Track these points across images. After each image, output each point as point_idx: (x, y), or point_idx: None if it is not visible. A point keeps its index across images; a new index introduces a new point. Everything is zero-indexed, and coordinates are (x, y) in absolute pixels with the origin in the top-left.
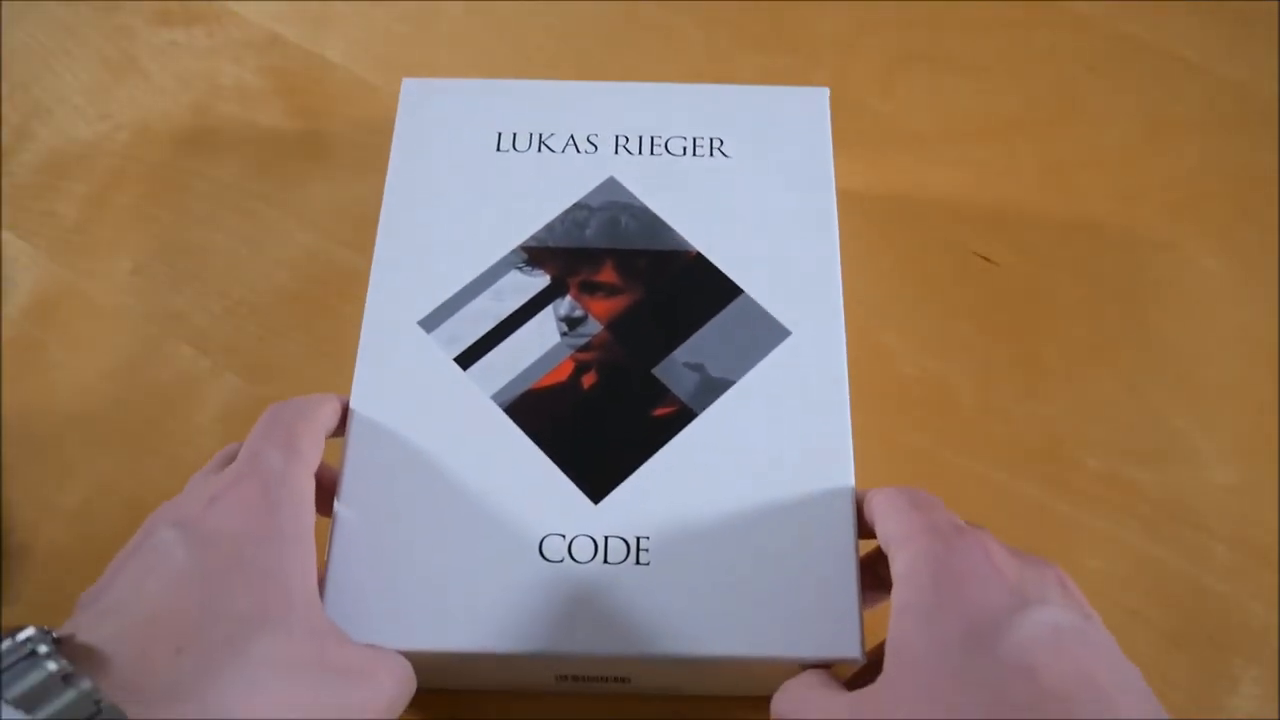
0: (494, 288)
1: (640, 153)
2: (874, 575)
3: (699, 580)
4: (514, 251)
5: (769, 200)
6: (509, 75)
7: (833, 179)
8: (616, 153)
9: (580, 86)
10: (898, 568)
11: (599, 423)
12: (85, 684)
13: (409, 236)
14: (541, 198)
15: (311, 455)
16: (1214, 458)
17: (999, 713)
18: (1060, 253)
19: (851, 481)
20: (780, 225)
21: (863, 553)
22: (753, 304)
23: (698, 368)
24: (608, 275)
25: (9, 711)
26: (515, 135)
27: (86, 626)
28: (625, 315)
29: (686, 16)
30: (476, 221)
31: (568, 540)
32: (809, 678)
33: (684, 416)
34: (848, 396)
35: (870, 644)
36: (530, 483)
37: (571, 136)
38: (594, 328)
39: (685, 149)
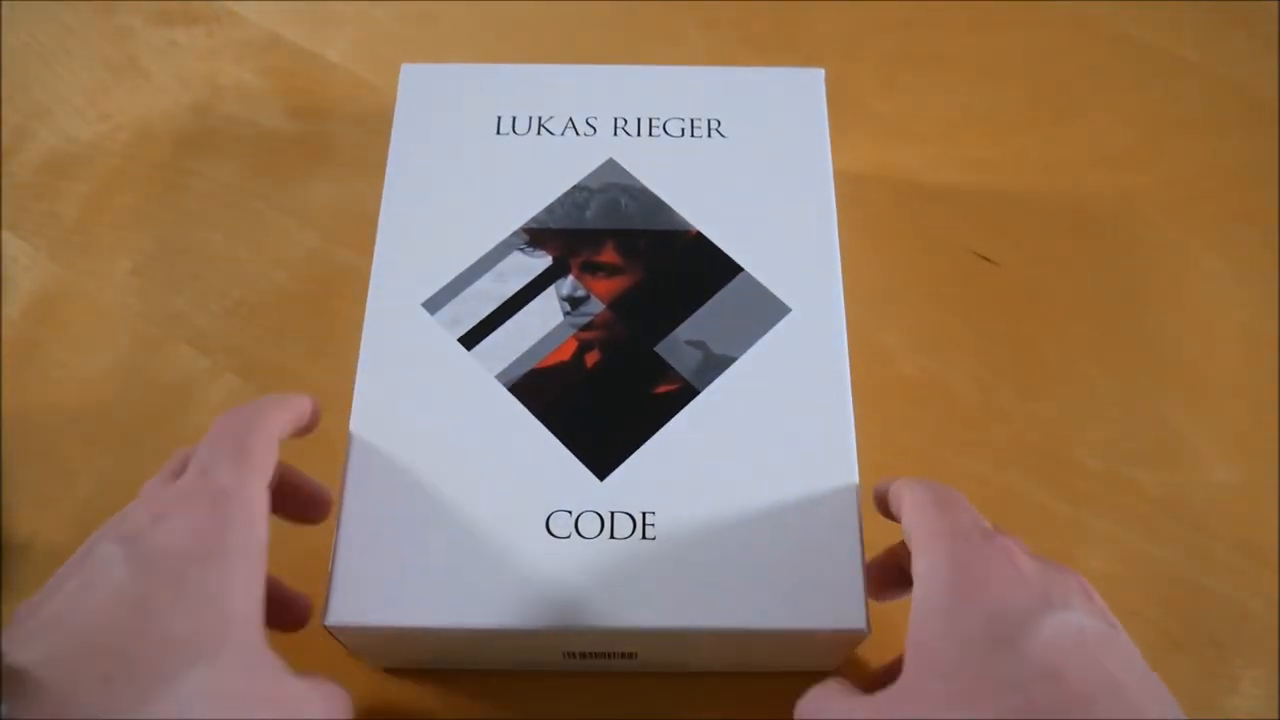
0: (496, 269)
1: (639, 134)
2: (897, 569)
3: (704, 554)
4: (515, 233)
5: (767, 179)
6: None
7: (829, 157)
8: (615, 135)
9: (578, 70)
10: (920, 567)
11: (603, 400)
12: (3, 709)
13: (411, 220)
14: (542, 180)
15: (264, 465)
16: (1214, 458)
17: (1024, 713)
18: (1060, 253)
19: (854, 454)
20: (778, 204)
21: (885, 547)
22: (753, 281)
23: (699, 345)
24: (609, 255)
25: None
26: (515, 119)
27: (18, 644)
28: (627, 294)
29: (686, 16)
30: (478, 204)
31: (574, 516)
32: (830, 684)
33: (687, 393)
34: (848, 371)
35: (877, 630)
36: (536, 460)
37: (570, 119)
38: (596, 307)
39: (683, 130)
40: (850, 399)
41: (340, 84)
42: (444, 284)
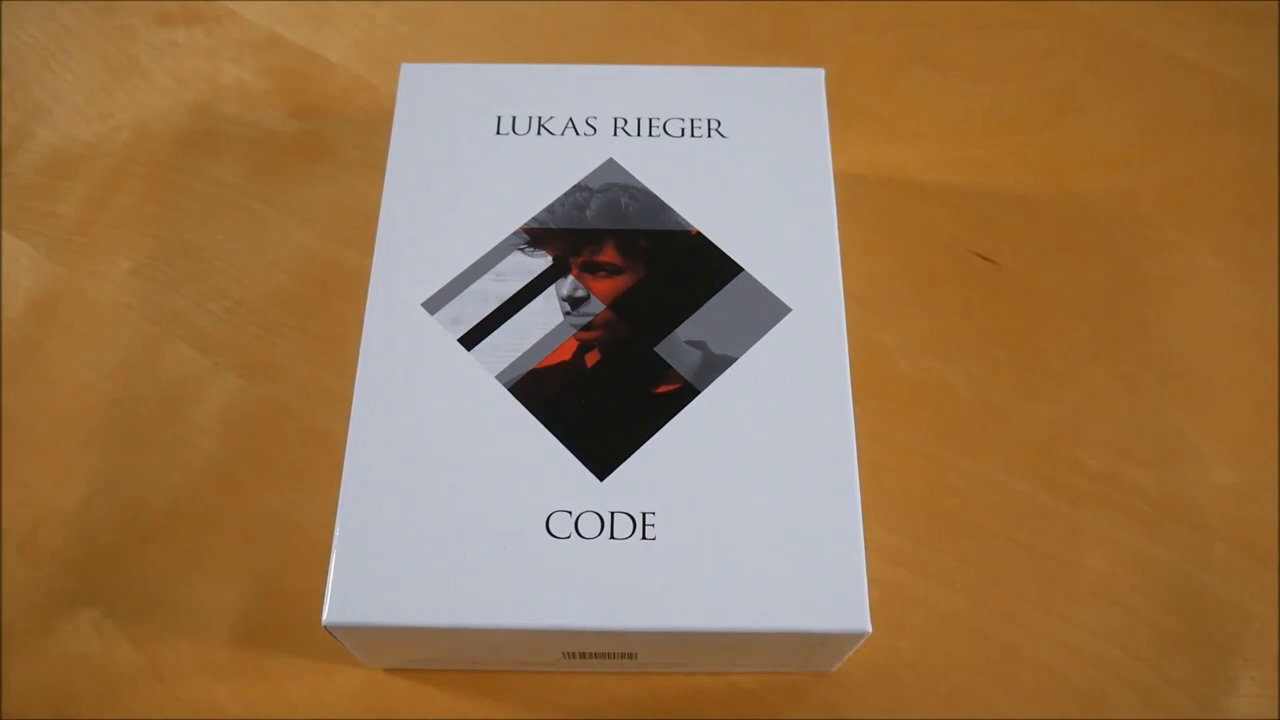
0: (496, 269)
1: (639, 134)
2: None
3: (705, 554)
4: (515, 233)
5: (767, 179)
6: None
7: (829, 158)
8: (615, 135)
9: (578, 70)
10: None
11: (603, 400)
12: None
13: (411, 220)
14: (542, 180)
15: None
16: (1214, 458)
17: None
18: (1060, 253)
19: (854, 454)
20: (778, 204)
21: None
22: (753, 281)
23: (699, 345)
24: (609, 255)
25: None
26: (515, 118)
27: None
28: (627, 294)
29: (686, 17)
30: (478, 204)
31: (574, 517)
32: None
33: (687, 393)
34: (848, 370)
35: (877, 630)
36: (536, 460)
37: (570, 119)
38: (596, 307)
39: (683, 130)
40: (850, 399)
41: (340, 84)
42: (444, 284)
